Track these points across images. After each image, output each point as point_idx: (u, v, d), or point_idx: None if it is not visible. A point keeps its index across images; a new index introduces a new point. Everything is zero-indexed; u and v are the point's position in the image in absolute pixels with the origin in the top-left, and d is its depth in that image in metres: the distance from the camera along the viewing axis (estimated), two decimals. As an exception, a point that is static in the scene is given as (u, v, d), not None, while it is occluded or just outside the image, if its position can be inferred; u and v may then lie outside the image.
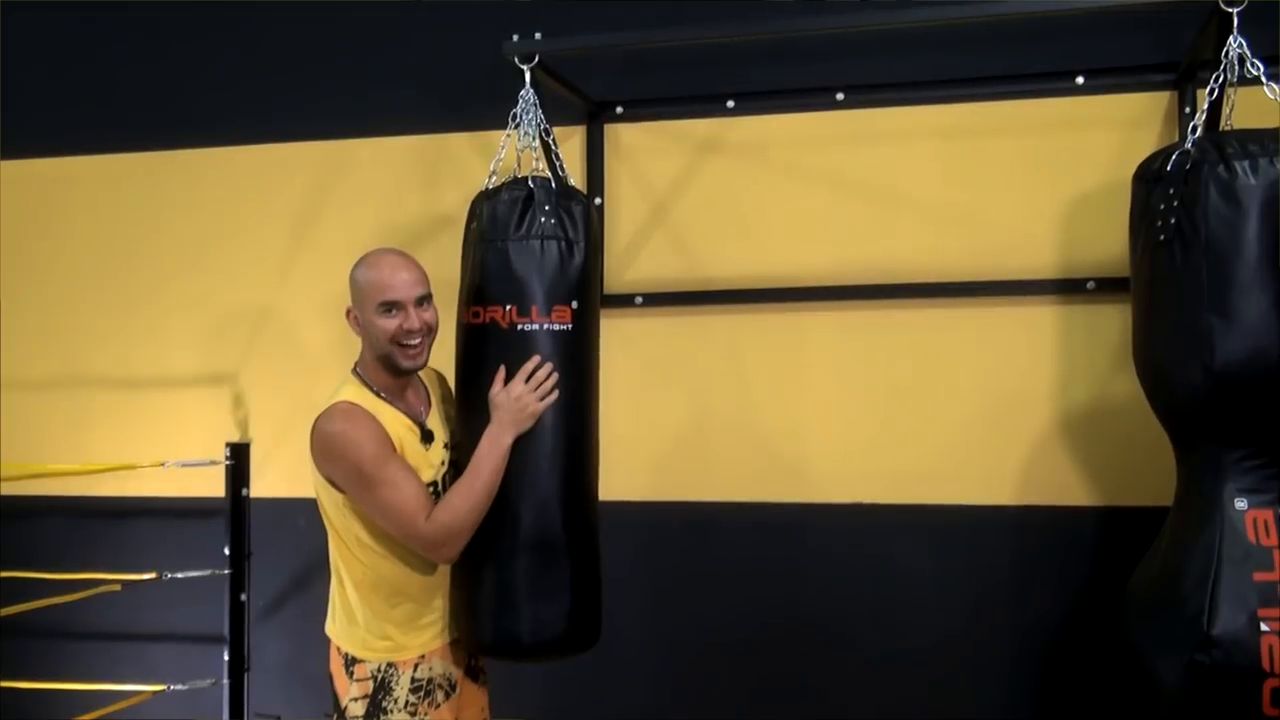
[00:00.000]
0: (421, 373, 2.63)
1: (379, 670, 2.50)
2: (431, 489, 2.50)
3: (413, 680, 2.51)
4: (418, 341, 2.47)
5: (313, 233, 3.55)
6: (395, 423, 2.47)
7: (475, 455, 2.47)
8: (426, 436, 2.54)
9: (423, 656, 2.53)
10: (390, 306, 2.44)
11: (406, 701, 2.49)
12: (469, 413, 2.56)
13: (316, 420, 2.44)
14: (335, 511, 2.49)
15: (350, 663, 2.53)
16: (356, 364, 2.55)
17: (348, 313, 2.51)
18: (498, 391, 2.50)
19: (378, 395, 2.49)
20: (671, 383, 3.35)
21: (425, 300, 2.49)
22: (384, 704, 2.49)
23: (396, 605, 2.51)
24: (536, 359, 2.51)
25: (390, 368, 2.49)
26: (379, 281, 2.45)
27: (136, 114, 3.74)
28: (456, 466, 2.56)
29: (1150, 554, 2.58)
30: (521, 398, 2.48)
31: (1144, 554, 2.62)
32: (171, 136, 3.70)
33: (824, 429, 3.25)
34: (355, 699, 2.51)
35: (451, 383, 2.69)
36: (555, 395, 2.51)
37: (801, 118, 3.27)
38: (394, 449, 2.42)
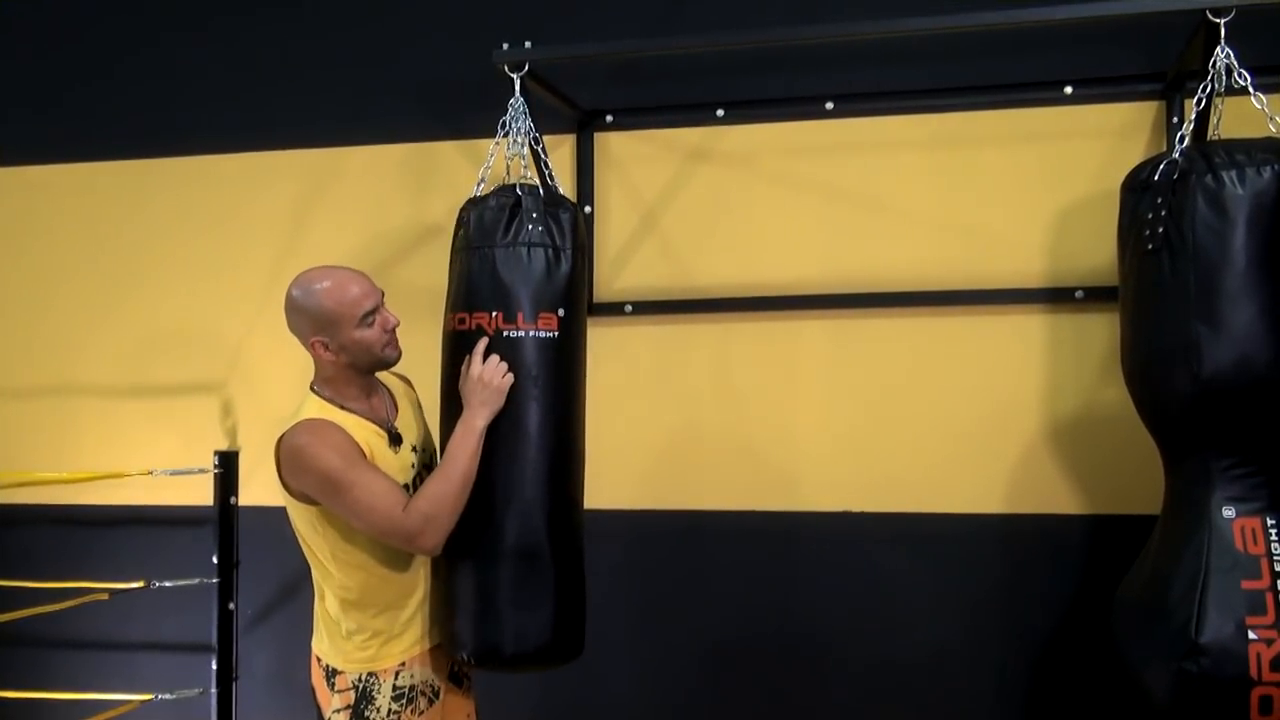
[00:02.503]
0: (385, 379, 2.65)
1: (360, 680, 2.50)
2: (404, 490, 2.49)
3: (394, 688, 2.50)
4: (395, 334, 2.53)
5: (301, 241, 3.54)
6: (361, 429, 2.47)
7: (450, 442, 2.48)
8: (394, 439, 2.54)
9: (403, 664, 2.52)
10: (370, 315, 2.46)
11: (389, 710, 2.49)
12: (452, 418, 2.56)
13: (280, 439, 2.44)
14: (308, 528, 2.49)
15: (331, 674, 2.53)
16: (313, 384, 2.54)
17: (313, 344, 2.47)
18: (463, 381, 2.52)
19: (341, 408, 2.49)
20: (661, 391, 3.35)
21: (383, 297, 2.54)
22: (366, 713, 2.48)
23: (376, 615, 2.50)
24: (485, 341, 2.52)
25: (372, 368, 2.53)
26: (351, 299, 2.45)
27: (124, 122, 3.73)
28: (429, 469, 2.58)
29: (1138, 562, 2.59)
30: (485, 375, 2.49)
31: (1132, 562, 2.62)
32: (160, 144, 3.69)
33: (813, 437, 3.26)
34: (338, 710, 2.50)
35: (425, 389, 2.70)
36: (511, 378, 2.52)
37: (791, 127, 3.27)
38: (362, 454, 2.42)
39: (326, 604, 2.54)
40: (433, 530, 2.40)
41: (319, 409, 2.48)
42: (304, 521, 2.49)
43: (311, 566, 2.56)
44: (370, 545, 2.47)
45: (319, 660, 2.57)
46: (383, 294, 2.53)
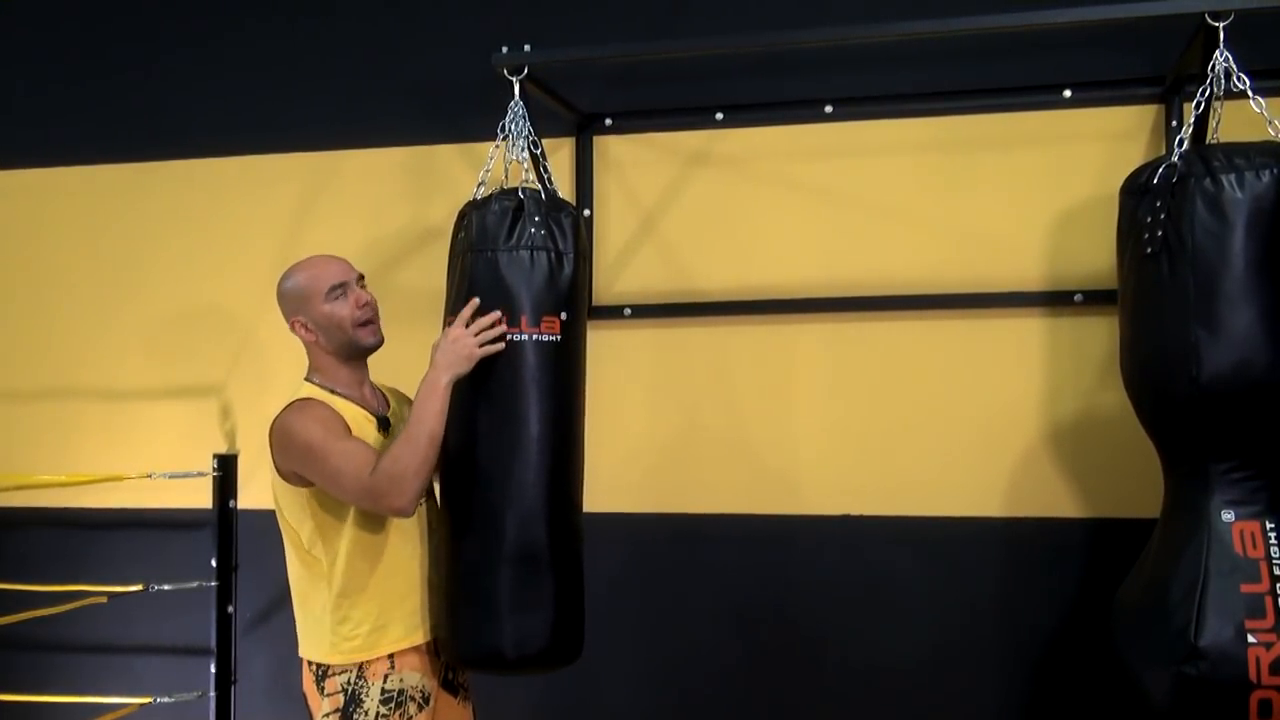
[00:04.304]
0: (384, 388, 2.70)
1: (349, 683, 2.49)
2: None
3: (383, 691, 2.49)
4: (372, 315, 2.55)
5: (301, 244, 3.52)
6: (349, 410, 2.52)
7: (414, 402, 2.47)
8: (383, 424, 2.58)
9: (392, 665, 2.51)
10: (337, 289, 2.52)
11: (377, 714, 2.47)
12: (453, 419, 2.55)
13: (272, 422, 2.49)
14: (295, 512, 2.51)
15: (321, 677, 2.52)
16: (307, 375, 2.59)
17: (293, 325, 2.56)
18: (437, 340, 2.53)
19: (332, 392, 2.54)
20: (660, 394, 3.34)
21: (362, 280, 2.58)
22: (354, 716, 2.48)
23: (362, 605, 2.50)
24: (475, 302, 2.51)
25: (353, 353, 2.56)
26: (317, 275, 2.54)
27: (123, 125, 3.74)
28: None
29: (1138, 566, 2.58)
30: (459, 339, 2.47)
31: (1132, 566, 2.62)
32: (159, 148, 3.69)
33: (812, 441, 3.25)
34: (326, 714, 2.50)
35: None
36: (500, 346, 2.49)
37: (790, 130, 3.27)
38: (346, 428, 2.46)
39: (311, 600, 2.55)
40: (399, 490, 2.37)
41: (308, 392, 2.54)
42: (292, 506, 2.52)
43: (294, 563, 2.58)
44: (356, 531, 2.49)
45: (309, 665, 2.57)
46: (361, 276, 2.59)
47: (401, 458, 2.39)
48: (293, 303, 2.55)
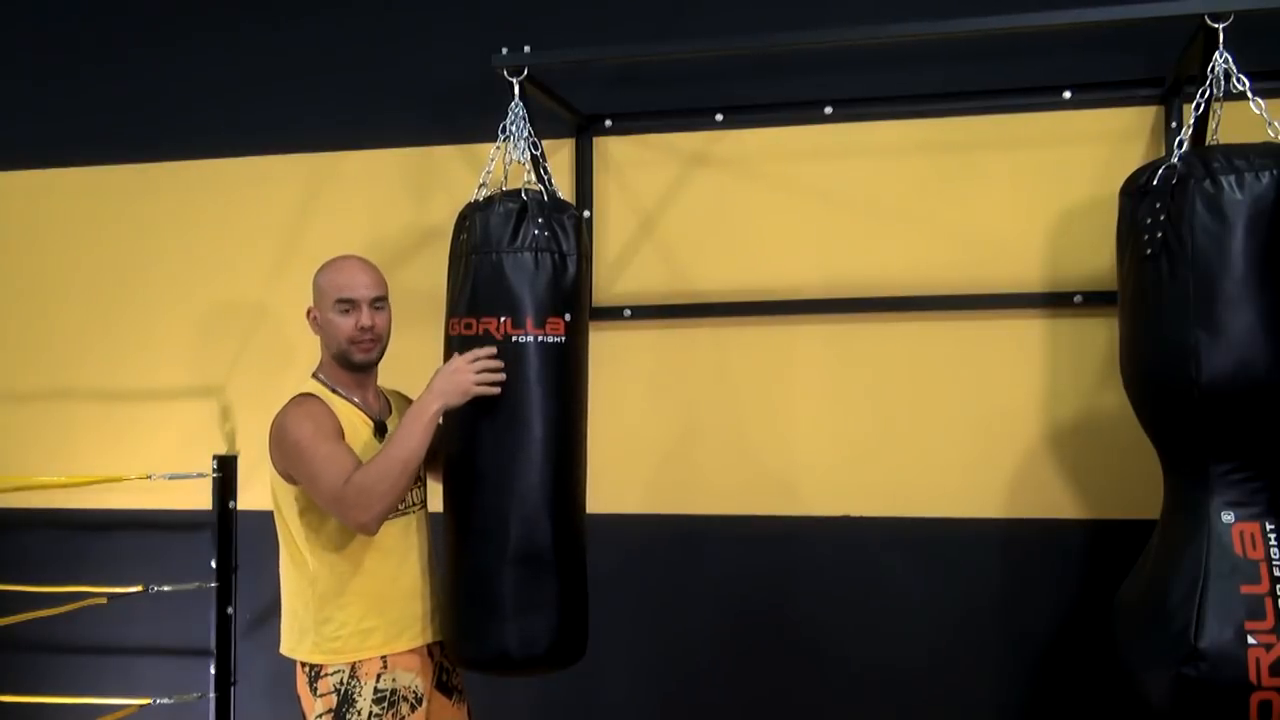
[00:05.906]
0: (388, 391, 2.72)
1: (341, 684, 2.50)
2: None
3: (375, 691, 2.50)
4: (369, 338, 2.56)
5: (300, 245, 3.54)
6: (348, 412, 2.55)
7: (400, 423, 2.47)
8: (379, 430, 2.59)
9: (385, 665, 2.52)
10: (347, 305, 2.54)
11: (370, 713, 2.48)
12: (452, 422, 2.56)
13: (274, 418, 2.52)
14: (287, 505, 2.54)
15: (313, 678, 2.53)
16: (315, 370, 2.63)
17: (308, 312, 2.61)
18: (439, 367, 2.54)
19: (334, 391, 2.57)
20: (659, 395, 3.34)
21: (380, 302, 2.59)
22: (347, 717, 2.48)
23: (352, 604, 2.52)
24: (491, 350, 2.51)
25: (346, 364, 2.58)
26: (338, 282, 2.56)
27: (123, 126, 3.73)
28: None
29: (1138, 567, 2.59)
30: (459, 371, 2.48)
31: (1132, 567, 2.62)
32: (159, 149, 3.69)
33: (812, 442, 3.25)
34: (320, 715, 2.51)
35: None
36: (496, 391, 2.49)
37: (789, 131, 3.27)
38: (339, 433, 2.48)
39: (295, 599, 2.57)
40: (365, 505, 2.38)
41: (312, 388, 2.58)
42: (286, 500, 2.54)
43: (283, 560, 2.60)
44: (342, 535, 2.50)
45: (302, 666, 2.57)
46: (380, 298, 2.59)
47: (373, 474, 2.40)
48: (313, 295, 2.60)
